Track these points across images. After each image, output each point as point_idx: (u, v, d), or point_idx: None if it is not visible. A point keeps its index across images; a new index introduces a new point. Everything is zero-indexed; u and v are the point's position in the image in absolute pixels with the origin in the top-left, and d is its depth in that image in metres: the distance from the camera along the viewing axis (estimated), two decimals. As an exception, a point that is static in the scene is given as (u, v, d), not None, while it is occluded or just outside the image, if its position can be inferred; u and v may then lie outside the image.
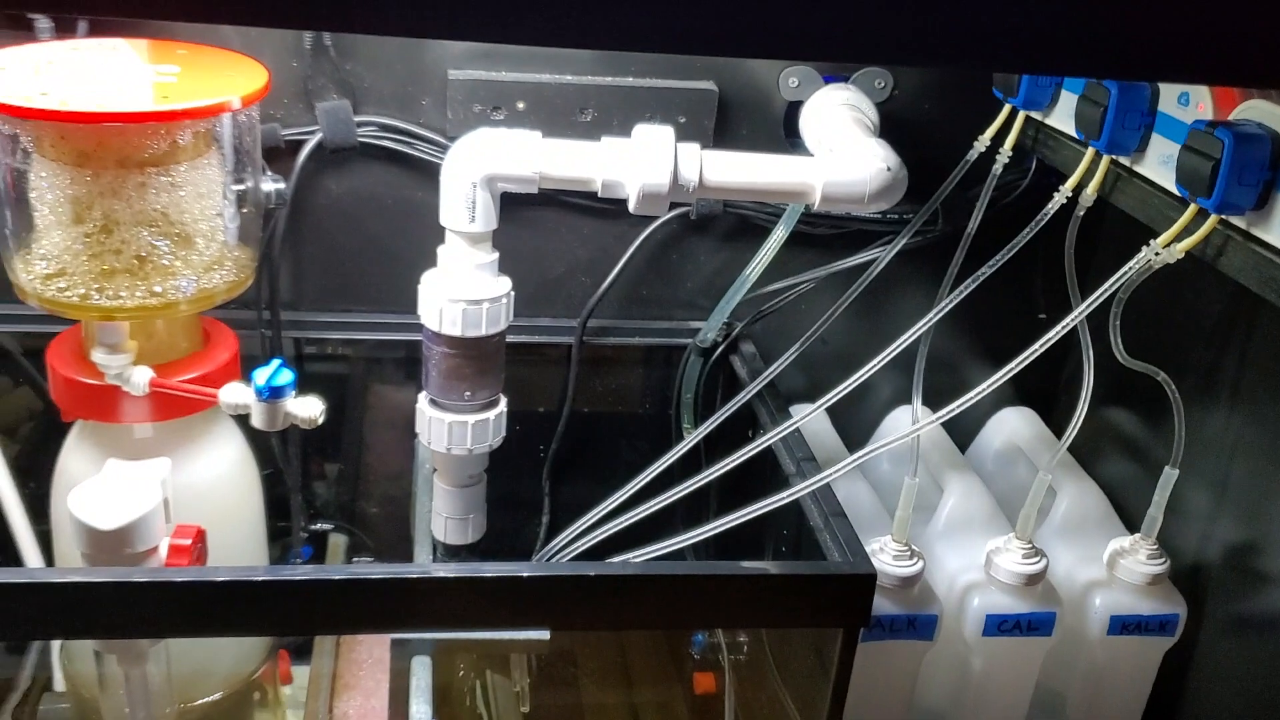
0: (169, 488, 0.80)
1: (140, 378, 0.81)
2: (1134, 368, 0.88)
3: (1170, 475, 0.93)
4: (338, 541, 1.13)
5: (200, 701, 0.94)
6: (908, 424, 1.17)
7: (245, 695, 0.99)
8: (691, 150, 0.83)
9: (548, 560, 0.90)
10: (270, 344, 1.03)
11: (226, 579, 0.72)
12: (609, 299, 1.09)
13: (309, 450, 1.13)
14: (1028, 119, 0.96)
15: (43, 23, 0.90)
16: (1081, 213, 0.88)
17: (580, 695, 1.15)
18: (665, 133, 0.83)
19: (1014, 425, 1.18)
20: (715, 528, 0.84)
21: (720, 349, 1.09)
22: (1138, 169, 0.84)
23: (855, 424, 1.21)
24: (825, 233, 1.10)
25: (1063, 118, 0.94)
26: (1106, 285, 0.79)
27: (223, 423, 0.91)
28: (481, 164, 0.82)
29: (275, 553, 1.09)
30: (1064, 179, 0.90)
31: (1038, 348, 0.84)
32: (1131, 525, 1.06)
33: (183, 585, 0.72)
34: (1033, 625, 0.94)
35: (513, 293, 0.87)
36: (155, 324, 0.84)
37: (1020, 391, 1.21)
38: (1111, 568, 0.97)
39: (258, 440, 0.95)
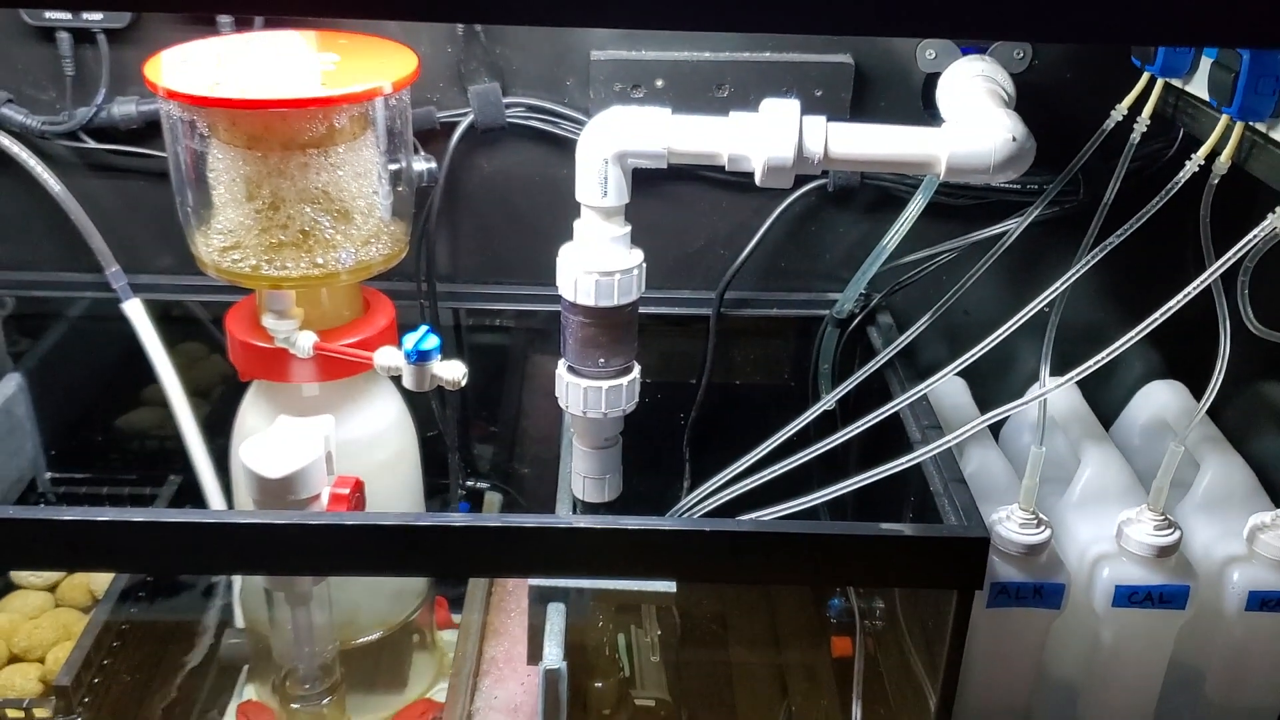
0: (332, 442, 0.88)
1: (305, 341, 0.89)
2: (1267, 337, 0.86)
3: (1319, 452, 0.90)
4: (492, 499, 1.20)
5: (360, 641, 1.02)
6: (1161, 396, 1.17)
7: (404, 636, 1.07)
8: (817, 123, 0.85)
9: (684, 511, 0.94)
10: (427, 314, 1.11)
11: (373, 523, 0.79)
12: (747, 271, 1.12)
13: (466, 414, 1.20)
14: (1167, 86, 0.95)
15: (224, 19, 0.99)
16: (1215, 181, 0.87)
17: (728, 654, 1.20)
18: (791, 106, 0.85)
19: (1162, 399, 1.16)
20: (839, 489, 0.86)
21: (857, 320, 1.11)
22: (1275, 135, 0.82)
23: (998, 396, 1.20)
24: (965, 203, 1.10)
25: (1202, 84, 0.92)
26: (1231, 252, 0.78)
27: (382, 385, 0.99)
28: (613, 141, 0.86)
29: (435, 508, 1.17)
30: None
31: (1163, 312, 0.83)
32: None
33: (338, 528, 0.79)
34: (1164, 598, 0.93)
35: (645, 264, 0.92)
36: (319, 293, 0.91)
37: (1170, 364, 1.19)
38: (1251, 543, 0.95)
39: (421, 405, 1.03)
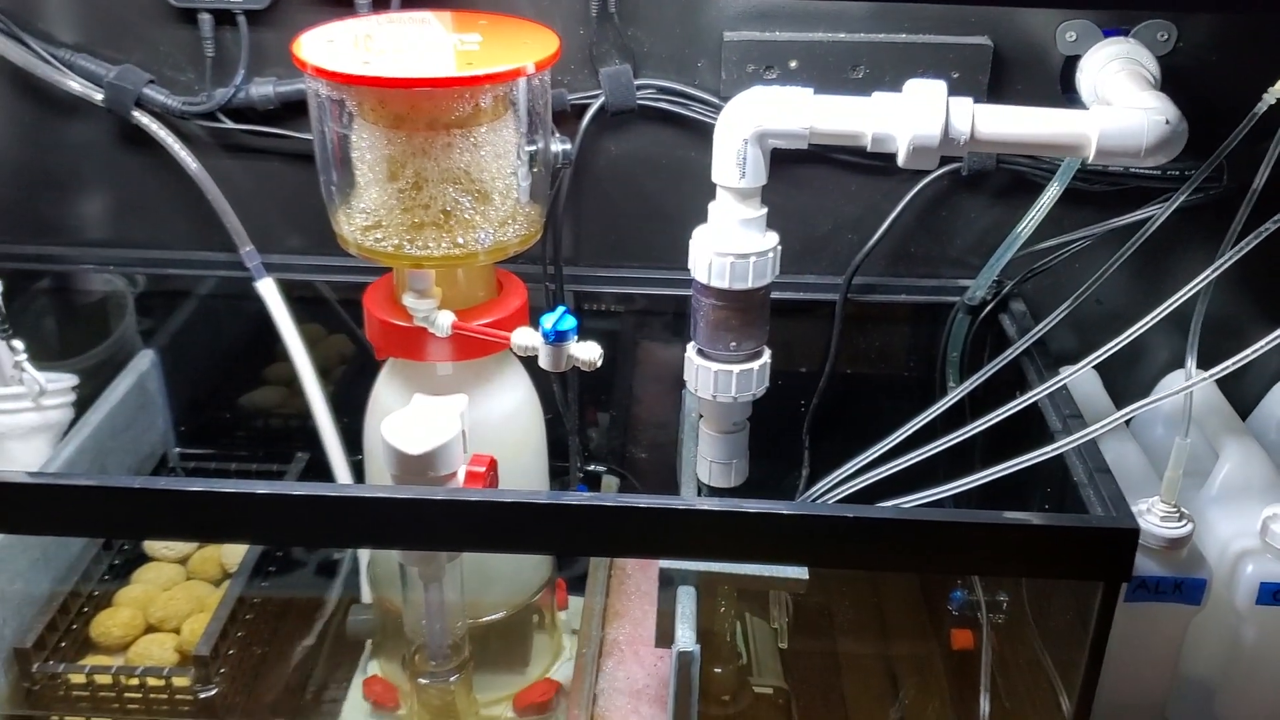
0: (466, 421, 0.88)
1: (444, 320, 0.89)
2: None
3: None
4: (610, 482, 1.21)
5: (485, 619, 1.03)
6: (1191, 375, 1.13)
7: (525, 617, 1.08)
8: (964, 103, 0.84)
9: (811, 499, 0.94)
10: (554, 296, 1.11)
11: (513, 500, 0.79)
12: (875, 256, 1.10)
13: (585, 398, 1.20)
14: (1329, 66, 0.91)
15: (362, 0, 1.01)
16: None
17: (836, 644, 1.19)
18: (938, 86, 0.84)
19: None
20: (975, 480, 0.85)
21: (989, 307, 1.08)
22: None
23: (1129, 387, 1.17)
24: (1102, 190, 1.08)
25: (1368, 63, 0.88)
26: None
27: (512, 366, 0.99)
28: (753, 121, 0.85)
29: (554, 489, 1.18)
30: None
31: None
32: None
33: (476, 504, 0.80)
34: (1314, 598, 0.90)
35: (779, 247, 0.91)
36: (457, 273, 0.92)
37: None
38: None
39: (541, 387, 1.03)
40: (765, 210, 0.90)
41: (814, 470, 1.18)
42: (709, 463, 0.99)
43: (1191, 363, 0.92)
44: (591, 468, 1.21)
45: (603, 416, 1.23)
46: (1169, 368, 1.17)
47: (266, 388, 1.28)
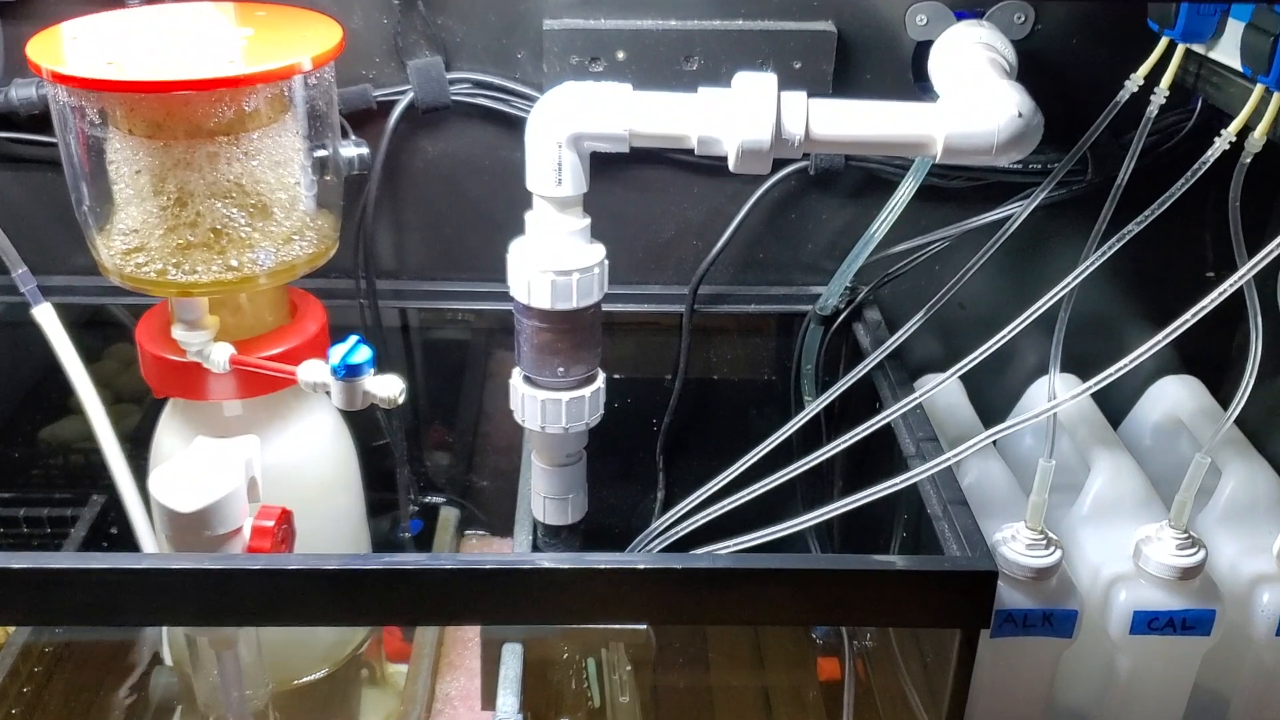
0: (256, 466, 0.78)
1: (220, 355, 0.78)
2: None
3: (1357, 459, 0.81)
4: (449, 515, 1.10)
5: (303, 680, 0.93)
6: (1174, 393, 1.07)
7: (352, 672, 0.97)
8: (797, 100, 0.75)
9: (657, 536, 0.85)
10: (369, 315, 1.00)
11: (298, 566, 0.69)
12: (723, 263, 1.02)
13: (419, 421, 1.10)
14: (1188, 53, 0.85)
15: (131, -10, 0.89)
16: (1248, 160, 0.77)
17: (708, 676, 1.10)
18: (767, 81, 0.75)
19: (1176, 396, 1.07)
20: (825, 514, 0.77)
21: (843, 316, 1.01)
22: (1318, 106, 0.73)
23: (995, 396, 1.11)
24: (960, 186, 1.01)
25: (1229, 50, 0.82)
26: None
27: (315, 398, 0.88)
28: (567, 122, 0.76)
29: (384, 526, 1.07)
30: (1230, 120, 0.79)
31: (1195, 312, 0.73)
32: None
33: (256, 573, 0.69)
34: (1188, 624, 0.84)
35: (607, 261, 0.82)
36: (239, 298, 0.81)
37: (1185, 358, 1.09)
38: (1283, 561, 0.86)
39: (365, 412, 0.93)
40: (588, 220, 0.81)
41: (670, 492, 1.10)
42: (543, 499, 0.89)
43: (1054, 376, 0.85)
44: (428, 499, 1.10)
45: (441, 440, 1.12)
46: (1038, 372, 1.11)
47: (70, 419, 1.15)
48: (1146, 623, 0.84)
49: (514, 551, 0.88)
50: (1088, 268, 0.82)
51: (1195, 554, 0.83)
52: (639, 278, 1.03)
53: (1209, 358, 1.10)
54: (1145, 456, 1.01)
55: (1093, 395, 1.03)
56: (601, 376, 0.85)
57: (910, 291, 1.02)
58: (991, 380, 1.10)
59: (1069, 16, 0.95)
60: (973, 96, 0.78)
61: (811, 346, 1.02)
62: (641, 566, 0.68)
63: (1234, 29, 0.81)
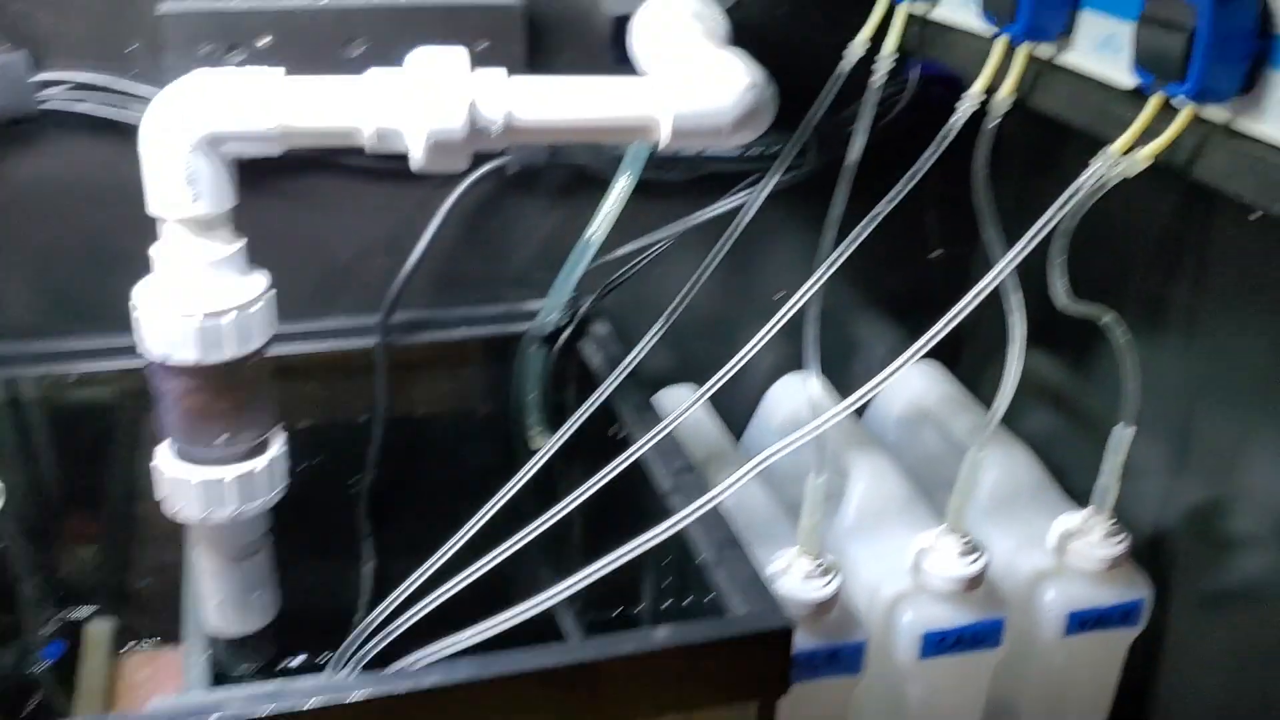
0: None
1: None
2: (1077, 313, 0.70)
3: (1124, 435, 0.76)
4: (100, 630, 0.88)
5: None
6: (797, 391, 0.99)
7: None
8: (493, 78, 0.61)
9: (366, 641, 0.68)
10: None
11: None
12: (417, 284, 0.86)
13: (48, 517, 0.88)
14: (909, 15, 0.77)
15: None
16: (993, 123, 0.69)
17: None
18: (455, 55, 0.61)
19: (918, 383, 1.00)
20: (579, 581, 0.63)
21: (566, 333, 0.87)
22: (1062, 61, 0.66)
23: (734, 399, 1.01)
24: (678, 178, 0.90)
25: (953, 6, 0.75)
26: (1050, 213, 0.61)
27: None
28: (197, 120, 0.59)
29: (13, 657, 0.84)
30: (957, 84, 0.72)
31: (968, 302, 0.65)
32: (1072, 494, 0.89)
33: None
34: (977, 638, 0.77)
35: (274, 292, 0.65)
36: None
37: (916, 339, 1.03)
38: (1062, 553, 0.80)
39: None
40: (242, 242, 0.63)
41: (382, 563, 0.93)
42: (218, 604, 0.71)
43: (815, 383, 0.75)
44: (67, 614, 0.88)
45: (82, 538, 0.90)
46: (776, 371, 1.03)
47: None
48: (936, 643, 0.76)
49: (185, 683, 0.69)
50: (837, 260, 0.73)
51: (978, 560, 0.76)
52: (316, 309, 0.86)
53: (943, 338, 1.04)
54: (893, 450, 0.94)
55: (834, 389, 0.97)
56: (281, 439, 0.68)
57: (636, 298, 0.90)
58: (728, 384, 1.00)
59: (776, -19, 0.86)
60: (698, 70, 0.66)
61: (533, 371, 0.88)
62: (357, 698, 0.52)
63: (953, -18, 0.74)
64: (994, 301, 1.02)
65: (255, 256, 0.64)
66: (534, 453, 0.78)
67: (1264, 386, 0.75)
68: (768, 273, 0.96)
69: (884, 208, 0.72)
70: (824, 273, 0.72)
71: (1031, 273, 0.67)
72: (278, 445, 0.68)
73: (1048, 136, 0.86)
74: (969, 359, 1.05)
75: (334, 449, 0.88)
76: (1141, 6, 0.55)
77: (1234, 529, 0.79)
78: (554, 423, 0.89)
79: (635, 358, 0.77)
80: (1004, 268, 0.64)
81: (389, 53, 0.77)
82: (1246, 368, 0.76)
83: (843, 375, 0.97)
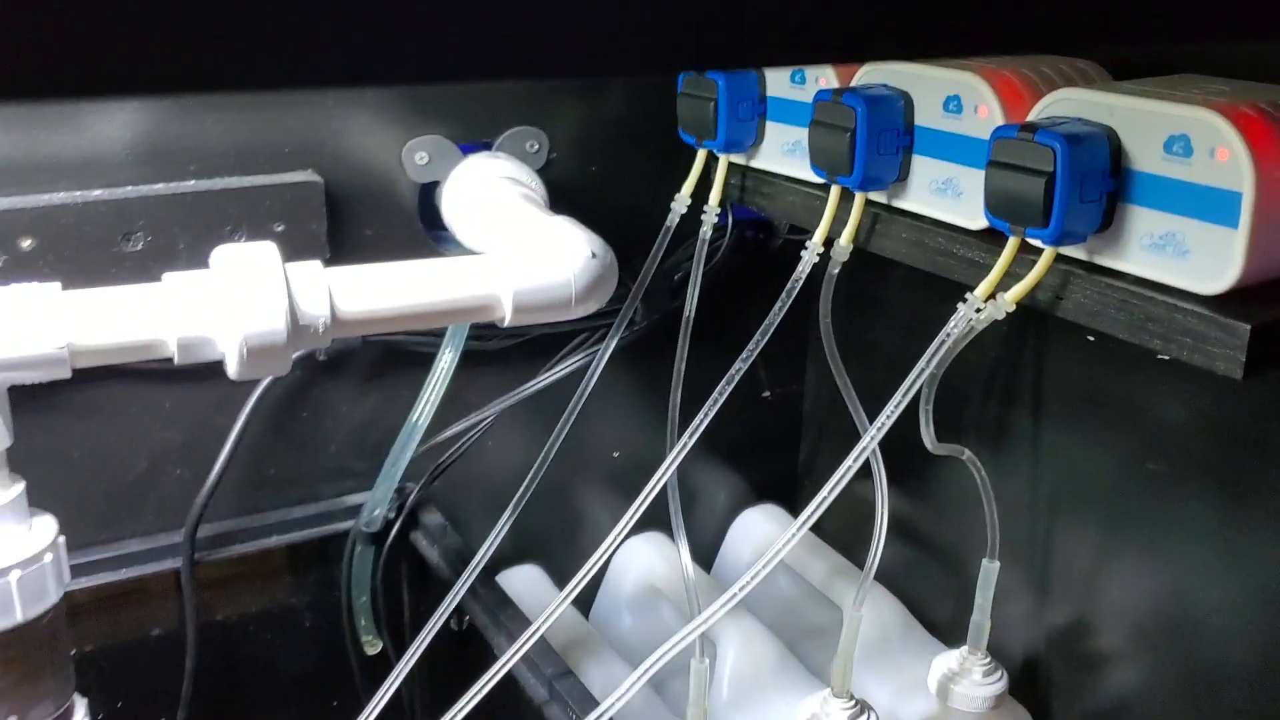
0: None
1: None
2: (942, 453, 0.68)
3: (991, 569, 0.74)
4: None
5: None
6: (645, 554, 0.94)
7: None
8: (310, 273, 0.55)
9: None
10: None
11: None
12: (224, 492, 0.77)
13: None
14: (730, 165, 0.76)
15: None
16: (836, 270, 0.68)
17: None
18: (264, 251, 0.54)
19: (764, 529, 0.97)
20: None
21: (396, 527, 0.79)
22: (899, 204, 0.65)
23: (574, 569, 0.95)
24: (500, 346, 0.84)
25: (774, 156, 0.74)
26: (922, 364, 0.59)
27: None
28: (-38, 353, 0.50)
29: None
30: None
31: (848, 468, 0.61)
32: (932, 629, 0.87)
33: None
34: (878, 805, 0.72)
35: (63, 539, 0.55)
36: None
37: (755, 486, 1.01)
38: (945, 697, 0.77)
39: None
40: (21, 486, 0.54)
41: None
42: None
43: (685, 555, 0.70)
44: None
45: None
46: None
47: None
48: (839, 824, 0.71)
49: None
50: (699, 426, 0.69)
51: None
52: (106, 534, 0.75)
53: (779, 480, 1.02)
54: (749, 603, 0.90)
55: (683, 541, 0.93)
56: (82, 706, 0.58)
57: (466, 479, 0.84)
58: (569, 555, 0.94)
59: (583, 138, 0.83)
60: (535, 242, 0.62)
61: (362, 573, 0.80)
62: None
63: (777, 132, 0.73)
64: (826, 437, 1.01)
65: (34, 487, 0.55)
66: (369, 661, 0.70)
67: (1113, 501, 0.75)
68: (601, 434, 0.91)
69: (741, 365, 0.69)
70: (688, 439, 0.68)
71: (863, 404, 0.65)
72: (79, 715, 0.57)
73: (860, 271, 0.86)
74: (806, 496, 1.03)
75: (140, 693, 0.77)
76: (987, 153, 0.54)
77: (1100, 647, 0.79)
78: (391, 626, 0.81)
79: (482, 558, 0.70)
80: (878, 430, 0.61)
81: (175, 243, 0.70)
82: (1095, 484, 0.76)
83: (687, 527, 0.94)
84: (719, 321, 0.82)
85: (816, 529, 0.98)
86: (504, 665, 0.62)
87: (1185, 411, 0.68)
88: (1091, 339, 0.73)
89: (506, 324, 0.60)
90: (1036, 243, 0.55)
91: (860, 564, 0.91)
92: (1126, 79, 0.57)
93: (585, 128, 0.83)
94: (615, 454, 0.93)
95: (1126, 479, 0.73)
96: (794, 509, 1.00)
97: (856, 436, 0.97)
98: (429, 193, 0.79)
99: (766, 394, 0.99)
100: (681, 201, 0.76)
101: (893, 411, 0.59)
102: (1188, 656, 0.72)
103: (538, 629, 0.64)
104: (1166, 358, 0.68)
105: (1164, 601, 0.74)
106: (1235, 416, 0.66)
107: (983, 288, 0.56)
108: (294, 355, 0.55)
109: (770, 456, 1.01)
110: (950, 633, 0.85)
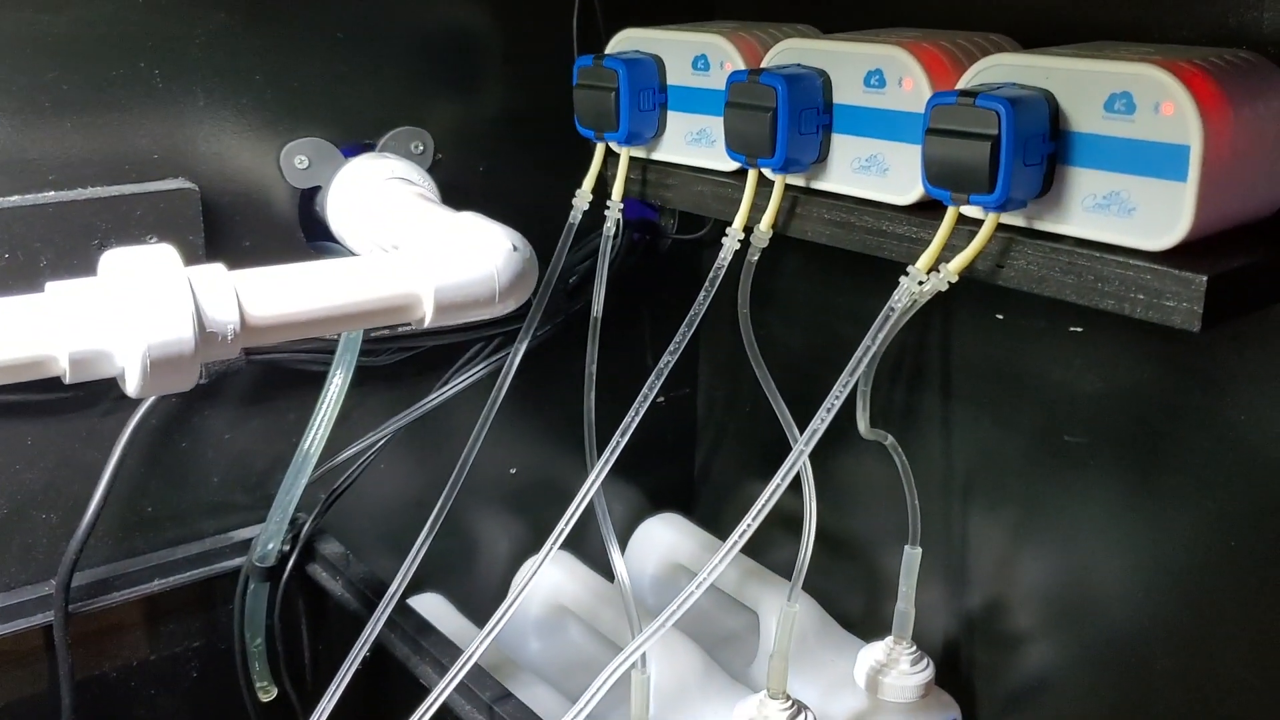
0: None
1: None
2: (872, 438, 0.67)
3: (913, 556, 0.74)
4: None
5: None
6: (550, 573, 0.90)
7: None
8: (215, 276, 0.50)
9: None
10: None
11: None
12: (98, 536, 0.69)
13: None
14: (632, 159, 0.73)
15: None
16: (755, 257, 0.66)
17: None
18: (162, 254, 0.49)
19: (666, 539, 0.95)
20: None
21: (292, 561, 0.73)
22: (819, 185, 0.64)
23: (472, 592, 0.91)
24: (389, 362, 0.79)
25: (677, 146, 0.72)
26: (867, 342, 0.57)
27: None
28: None
29: None
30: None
31: (785, 475, 0.59)
32: (849, 624, 0.86)
33: None
34: (822, 805, 0.70)
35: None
36: None
37: (653, 496, 0.98)
38: (874, 690, 0.76)
39: None
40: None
41: None
42: None
43: (620, 566, 0.67)
44: None
45: None
46: (517, 557, 0.93)
47: None
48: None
49: None
50: (621, 443, 0.66)
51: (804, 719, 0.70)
52: (-35, 592, 0.67)
53: (675, 487, 1.00)
54: (658, 612, 0.87)
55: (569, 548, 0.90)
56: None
57: (361, 503, 0.79)
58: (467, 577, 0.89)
59: (468, 137, 0.79)
60: (452, 238, 0.58)
61: (257, 614, 0.73)
62: None
63: (677, 123, 0.71)
64: (723, 442, 0.99)
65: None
66: (266, 708, 0.64)
67: (1029, 479, 0.75)
68: (494, 449, 0.87)
69: (669, 358, 0.66)
70: (609, 455, 0.65)
71: (760, 403, 0.64)
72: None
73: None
74: (705, 502, 1.01)
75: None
76: (924, 123, 0.54)
77: (1019, 627, 0.79)
78: (290, 668, 0.75)
79: (401, 584, 0.65)
80: (814, 431, 0.58)
81: (37, 259, 0.64)
82: (1011, 463, 0.76)
83: (578, 542, 0.90)
84: (616, 324, 0.79)
85: (716, 532, 0.97)
86: (443, 692, 0.57)
87: (1100, 383, 0.69)
88: (1000, 317, 0.73)
89: (427, 324, 0.56)
90: (974, 212, 0.54)
91: (767, 564, 0.90)
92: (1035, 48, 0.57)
93: (470, 125, 0.79)
94: (512, 470, 0.89)
95: (1042, 455, 0.74)
96: (692, 515, 0.98)
97: (753, 438, 0.96)
98: (309, 199, 0.74)
99: (660, 400, 0.96)
100: (583, 198, 0.73)
101: (830, 413, 0.56)
102: (1105, 630, 0.73)
103: (475, 651, 0.59)
104: (1080, 330, 0.69)
105: (1079, 575, 0.74)
106: (1150, 385, 0.67)
107: (924, 259, 0.55)
108: (199, 366, 0.49)
109: (665, 463, 0.99)
110: (865, 626, 0.85)
